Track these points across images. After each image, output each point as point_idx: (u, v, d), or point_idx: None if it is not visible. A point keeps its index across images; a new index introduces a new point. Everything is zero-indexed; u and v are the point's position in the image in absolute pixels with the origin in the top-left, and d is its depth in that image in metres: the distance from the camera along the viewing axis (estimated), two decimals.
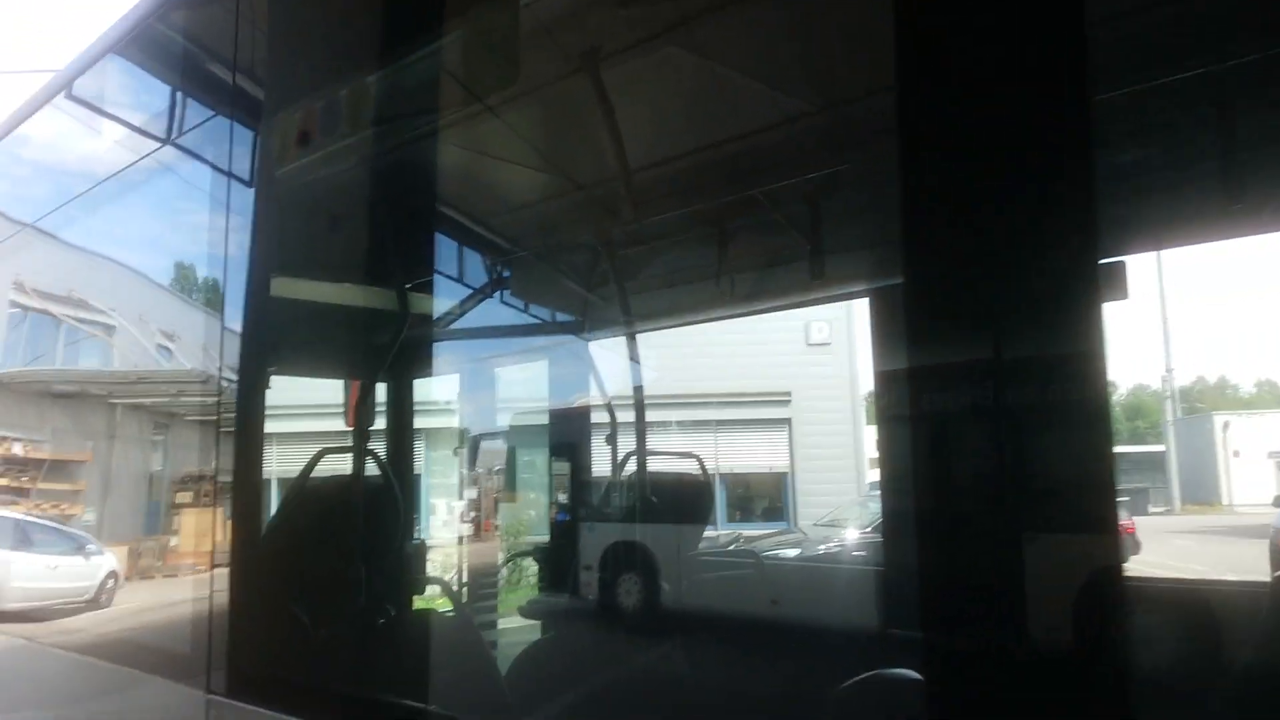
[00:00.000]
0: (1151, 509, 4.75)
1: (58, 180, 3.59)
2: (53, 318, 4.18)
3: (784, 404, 4.92)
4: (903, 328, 1.10)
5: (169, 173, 2.67)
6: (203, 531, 2.40)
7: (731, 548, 4.75)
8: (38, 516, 4.50)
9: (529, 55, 1.99)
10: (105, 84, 3.07)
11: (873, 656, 1.42)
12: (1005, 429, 1.01)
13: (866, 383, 4.70)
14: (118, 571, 3.68)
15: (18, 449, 4.46)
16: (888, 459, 1.10)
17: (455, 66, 2.11)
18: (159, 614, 2.95)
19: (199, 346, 2.69)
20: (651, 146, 2.70)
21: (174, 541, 3.57)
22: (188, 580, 2.64)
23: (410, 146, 2.27)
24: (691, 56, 2.23)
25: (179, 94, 2.68)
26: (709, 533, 4.89)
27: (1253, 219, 1.86)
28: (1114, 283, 1.57)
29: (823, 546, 4.47)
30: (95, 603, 3.70)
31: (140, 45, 2.65)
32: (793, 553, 4.52)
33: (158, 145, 2.62)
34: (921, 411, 1.08)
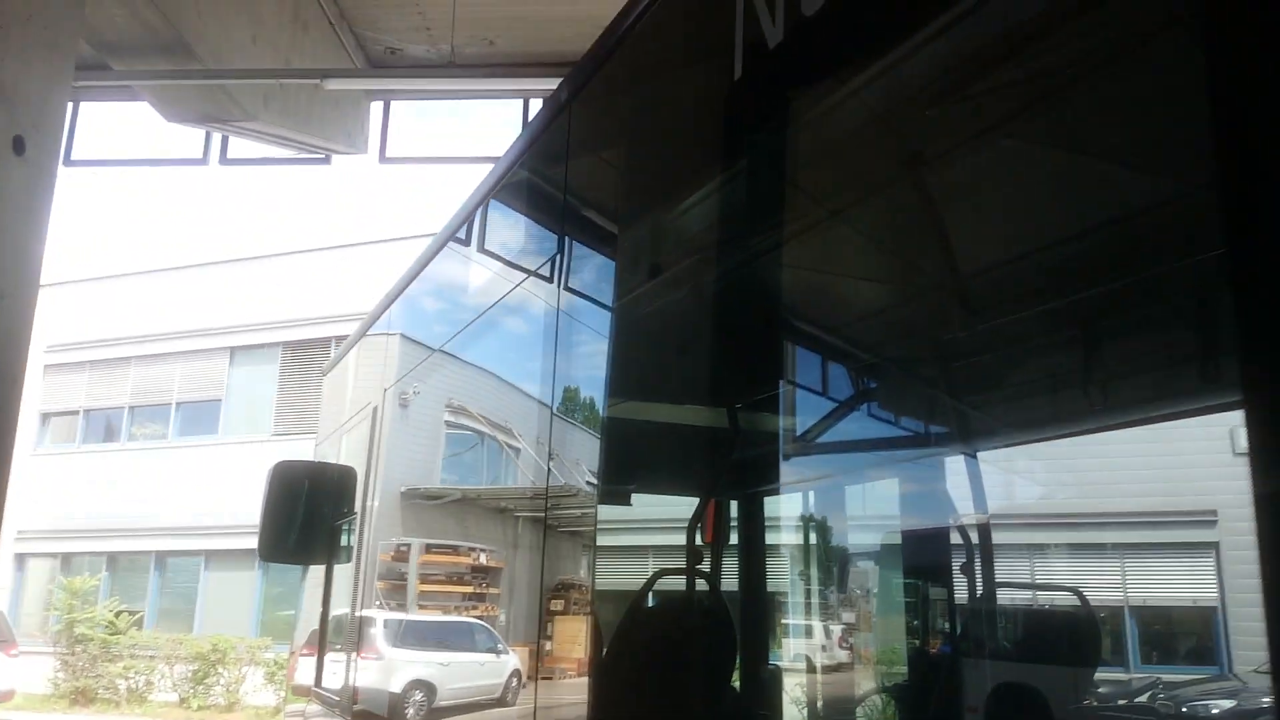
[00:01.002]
0: None
1: (454, 318, 4.17)
2: (474, 435, 4.77)
3: (1209, 525, 4.12)
4: None
5: (540, 302, 2.97)
6: (569, 639, 2.51)
7: (1147, 695, 3.99)
8: (473, 618, 5.04)
9: (866, 156, 1.93)
10: (495, 231, 3.53)
11: None
12: None
13: None
14: (520, 670, 3.96)
15: (483, 559, 5.04)
16: None
17: (793, 173, 2.10)
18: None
19: (572, 464, 2.89)
20: (1009, 239, 2.48)
21: (548, 646, 3.79)
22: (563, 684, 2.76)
23: (750, 264, 2.30)
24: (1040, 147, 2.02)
25: (562, 237, 2.98)
26: (1118, 675, 4.17)
27: None
28: None
29: (1267, 698, 3.57)
30: (502, 701, 4.00)
31: (510, 191, 2.99)
32: (1227, 705, 3.67)
33: (524, 278, 2.92)
34: None
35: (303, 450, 9.77)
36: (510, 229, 3.33)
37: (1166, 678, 4.24)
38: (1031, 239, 2.46)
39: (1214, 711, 3.76)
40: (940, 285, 2.91)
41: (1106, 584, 4.05)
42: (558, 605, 3.20)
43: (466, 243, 3.64)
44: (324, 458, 7.76)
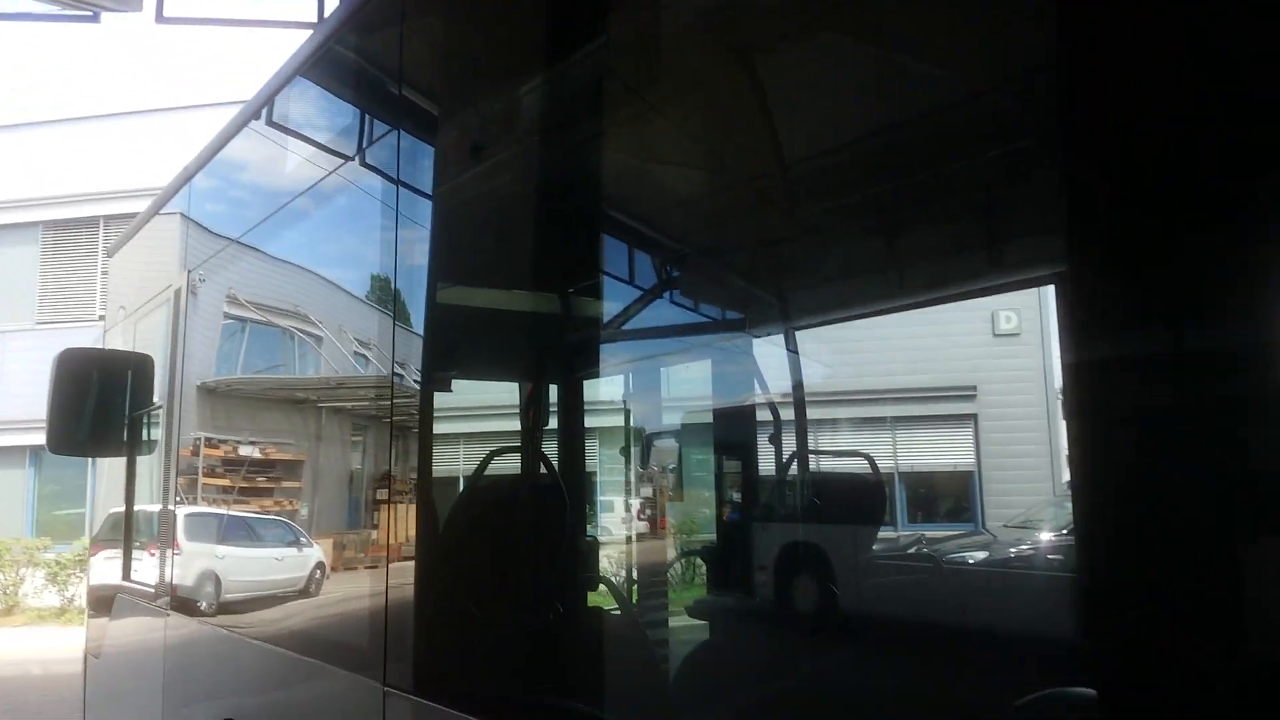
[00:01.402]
0: None
1: (258, 200, 3.94)
2: (263, 327, 4.58)
3: (969, 399, 4.65)
4: (1090, 316, 1.01)
5: (353, 187, 2.86)
6: (382, 528, 2.55)
7: (912, 550, 4.54)
8: (265, 512, 4.93)
9: (688, 50, 1.98)
10: (292, 108, 3.33)
11: (1060, 670, 1.31)
12: (1208, 423, 0.90)
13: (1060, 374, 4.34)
14: (324, 563, 3.96)
15: (257, 451, 4.89)
16: (1075, 457, 1.00)
17: (617, 67, 2.12)
18: (343, 606, 3.14)
19: (387, 353, 2.87)
20: (819, 137, 2.63)
21: (374, 535, 3.82)
22: (379, 573, 2.81)
23: (574, 150, 2.32)
24: (851, 40, 2.15)
25: (361, 112, 2.85)
26: (888, 534, 4.71)
27: None
28: None
29: (1013, 550, 4.19)
30: (305, 592, 4.00)
31: (322, 69, 2.84)
32: (980, 555, 4.26)
33: (342, 162, 2.80)
34: (1111, 406, 0.98)
35: (76, 339, 8.96)
36: (323, 107, 3.15)
37: (930, 534, 4.83)
38: (829, 137, 2.62)
39: (970, 561, 4.34)
40: (744, 178, 3.04)
41: (880, 454, 4.52)
42: (371, 495, 3.22)
43: (274, 119, 3.42)
44: (115, 345, 7.19)
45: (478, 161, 2.18)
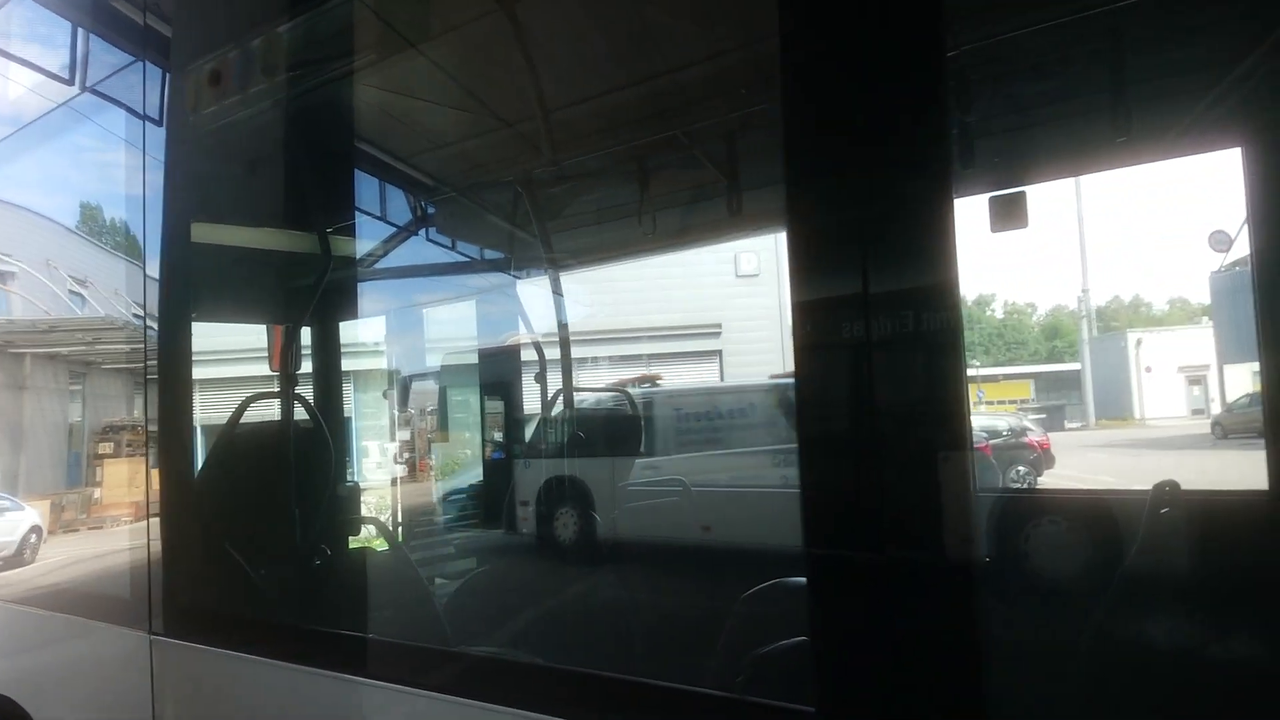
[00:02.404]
0: (1068, 425, 5.00)
1: None
2: None
3: (714, 335, 4.99)
4: (806, 262, 1.15)
5: (87, 119, 2.56)
6: (129, 481, 2.38)
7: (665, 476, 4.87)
8: None
9: None
10: (12, 26, 2.90)
11: (782, 568, 1.51)
12: (877, 356, 1.07)
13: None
14: (40, 526, 3.63)
15: None
16: (800, 385, 1.16)
17: (375, 5, 2.05)
18: (95, 563, 2.93)
19: (116, 293, 2.63)
20: (578, 84, 2.67)
21: (97, 494, 3.51)
22: (119, 530, 2.61)
23: (329, 88, 2.21)
24: None
25: (92, 37, 2.54)
26: (643, 462, 5.02)
27: (1141, 149, 1.95)
28: (1013, 212, 1.63)
29: (754, 471, 4.60)
30: (19, 558, 3.65)
31: None
32: (723, 477, 4.65)
33: (73, 92, 2.50)
34: (823, 339, 1.14)
35: None
36: (52, 31, 2.73)
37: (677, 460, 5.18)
38: (595, 81, 2.67)
39: (712, 483, 4.68)
40: (503, 119, 3.04)
41: (637, 387, 4.77)
42: (99, 448, 2.96)
43: None
44: None
45: (221, 92, 2.02)
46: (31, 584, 3.36)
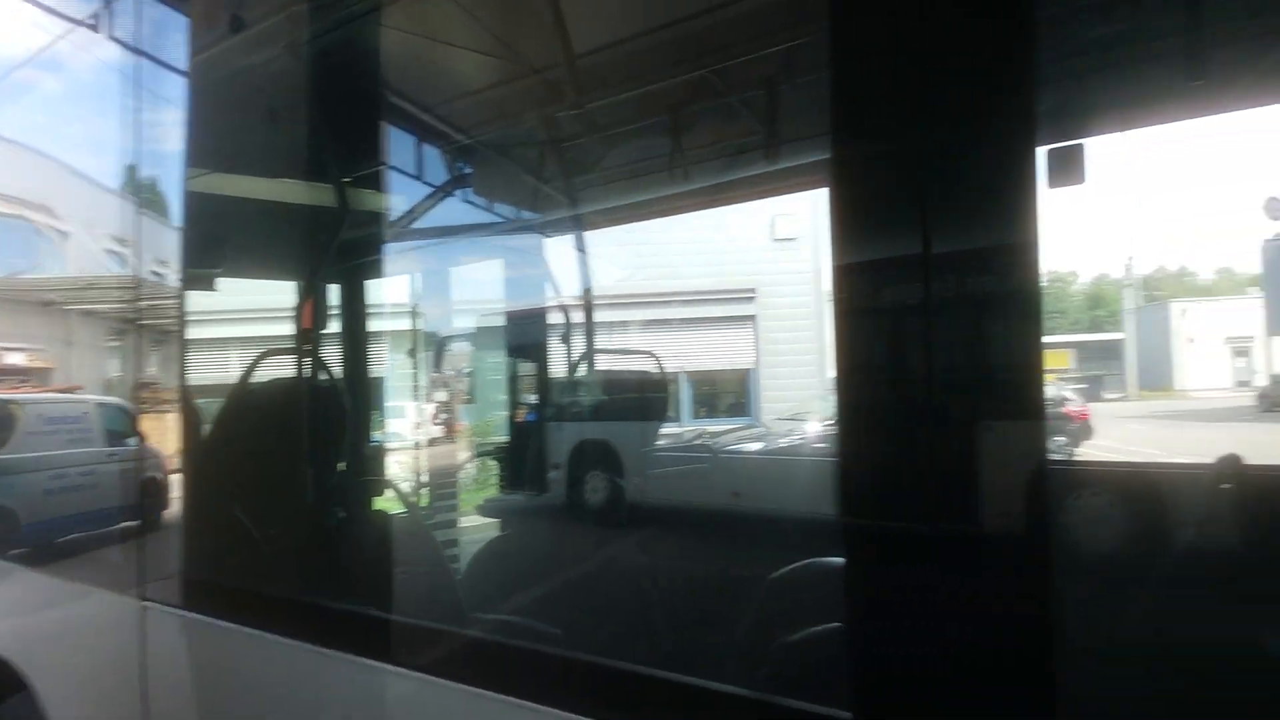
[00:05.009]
0: (1107, 395, 4.87)
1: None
2: (18, 218, 4.04)
3: (749, 300, 4.90)
4: (854, 220, 1.08)
5: (104, 66, 2.51)
6: (163, 436, 2.37)
7: (695, 443, 4.81)
8: None
9: None
10: None
11: (820, 545, 1.44)
12: (946, 320, 1.00)
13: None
14: None
15: (29, 359, 4.37)
16: (841, 353, 1.09)
17: None
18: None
19: (145, 250, 2.60)
20: (608, 29, 2.58)
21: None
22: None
23: (355, 29, 2.14)
24: None
25: None
26: (673, 429, 4.96)
27: (1214, 98, 1.83)
28: (1070, 167, 1.54)
29: (785, 440, 4.54)
30: None
31: None
32: (755, 446, 4.59)
33: (83, 31, 2.45)
34: (871, 305, 1.07)
35: None
36: None
37: (711, 428, 5.12)
38: (631, 25, 2.58)
39: (747, 450, 4.65)
40: (537, 70, 2.96)
41: (670, 353, 4.71)
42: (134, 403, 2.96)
43: None
44: None
45: (241, 36, 1.97)
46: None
